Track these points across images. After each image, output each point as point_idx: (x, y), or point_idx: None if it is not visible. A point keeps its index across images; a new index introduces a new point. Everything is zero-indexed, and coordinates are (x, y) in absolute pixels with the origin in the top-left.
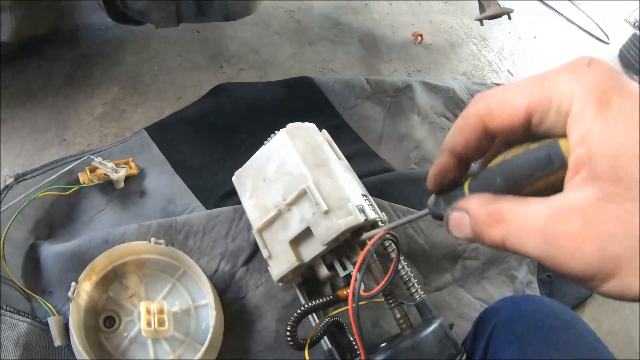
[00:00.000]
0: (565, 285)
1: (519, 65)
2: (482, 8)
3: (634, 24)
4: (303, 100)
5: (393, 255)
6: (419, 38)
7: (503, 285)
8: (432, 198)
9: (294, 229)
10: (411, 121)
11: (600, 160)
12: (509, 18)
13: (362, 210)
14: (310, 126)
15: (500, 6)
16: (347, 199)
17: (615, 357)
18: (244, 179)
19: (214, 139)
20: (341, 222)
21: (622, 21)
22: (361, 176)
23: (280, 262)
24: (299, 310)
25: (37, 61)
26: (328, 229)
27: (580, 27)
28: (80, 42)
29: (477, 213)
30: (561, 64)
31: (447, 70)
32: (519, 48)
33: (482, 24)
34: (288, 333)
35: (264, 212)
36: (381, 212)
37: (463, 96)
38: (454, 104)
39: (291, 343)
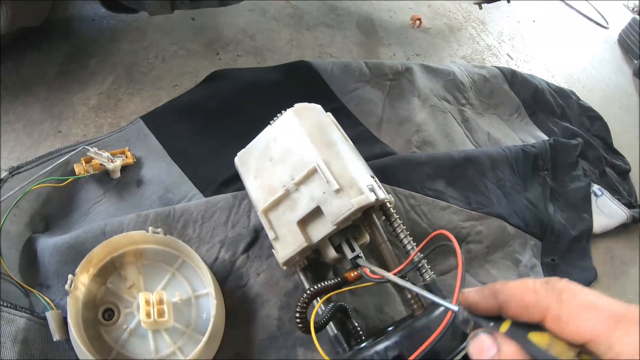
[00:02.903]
0: (570, 269)
1: (518, 49)
2: None
3: (633, 9)
4: (301, 85)
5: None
6: (418, 22)
7: (507, 269)
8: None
9: (303, 208)
10: (411, 104)
11: None
12: (508, 2)
13: (372, 190)
14: (317, 107)
15: None
16: (357, 178)
17: None
18: (248, 159)
19: (211, 125)
20: (353, 201)
21: (621, 6)
22: None
23: (288, 243)
24: (308, 291)
25: (31, 53)
26: (340, 208)
27: (579, 12)
28: (74, 33)
29: (508, 356)
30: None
31: (447, 54)
32: (518, 32)
33: (480, 8)
34: (298, 315)
35: (270, 192)
36: None
37: (463, 79)
38: (454, 87)
39: (300, 325)
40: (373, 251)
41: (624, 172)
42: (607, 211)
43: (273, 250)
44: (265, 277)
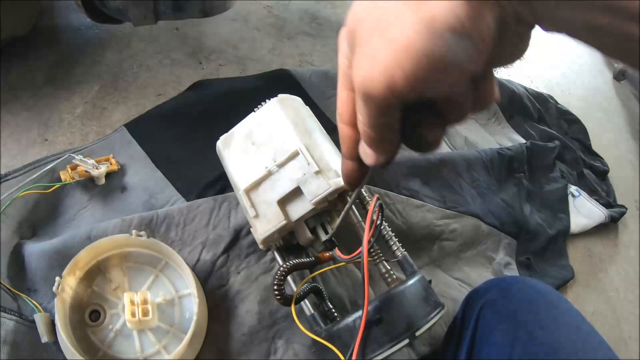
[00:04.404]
0: (546, 267)
1: None
2: None
3: None
4: (280, 92)
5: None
6: None
7: (480, 266)
8: None
9: (284, 188)
10: None
11: None
12: None
13: None
14: (298, 99)
15: None
16: (335, 163)
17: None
18: (231, 142)
19: (192, 132)
20: (331, 182)
21: None
22: None
23: (267, 221)
24: (285, 265)
25: (17, 62)
26: (318, 188)
27: None
28: (59, 42)
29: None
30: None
31: None
32: None
33: None
34: (275, 287)
35: (252, 173)
36: None
37: None
38: None
39: (279, 297)
40: (348, 232)
41: (602, 173)
42: (585, 211)
43: (251, 229)
44: (244, 274)
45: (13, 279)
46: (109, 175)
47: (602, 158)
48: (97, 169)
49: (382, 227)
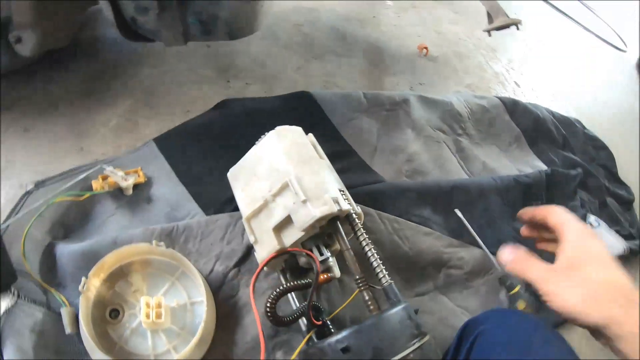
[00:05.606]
0: None
1: (527, 76)
2: (490, 19)
3: None
4: (301, 114)
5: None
6: (425, 50)
7: (487, 294)
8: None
9: (277, 216)
10: (405, 135)
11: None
12: (518, 29)
13: (336, 202)
14: (297, 129)
15: (508, 17)
16: (325, 191)
17: None
18: (238, 174)
19: (215, 150)
20: (317, 210)
21: None
22: (352, 187)
23: (265, 246)
24: (278, 289)
25: (57, 73)
26: (305, 216)
27: (596, 35)
28: (98, 55)
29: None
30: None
31: (452, 82)
32: (528, 58)
33: (490, 35)
34: (268, 308)
35: (253, 203)
36: (365, 217)
37: (461, 109)
38: (451, 117)
39: (271, 318)
40: (339, 258)
41: (627, 202)
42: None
43: (255, 253)
44: None
45: (44, 274)
46: (136, 186)
47: (627, 186)
48: (125, 180)
49: (370, 255)
